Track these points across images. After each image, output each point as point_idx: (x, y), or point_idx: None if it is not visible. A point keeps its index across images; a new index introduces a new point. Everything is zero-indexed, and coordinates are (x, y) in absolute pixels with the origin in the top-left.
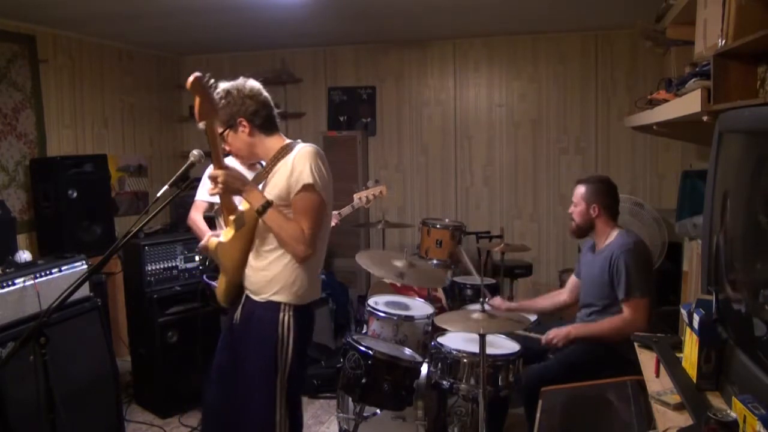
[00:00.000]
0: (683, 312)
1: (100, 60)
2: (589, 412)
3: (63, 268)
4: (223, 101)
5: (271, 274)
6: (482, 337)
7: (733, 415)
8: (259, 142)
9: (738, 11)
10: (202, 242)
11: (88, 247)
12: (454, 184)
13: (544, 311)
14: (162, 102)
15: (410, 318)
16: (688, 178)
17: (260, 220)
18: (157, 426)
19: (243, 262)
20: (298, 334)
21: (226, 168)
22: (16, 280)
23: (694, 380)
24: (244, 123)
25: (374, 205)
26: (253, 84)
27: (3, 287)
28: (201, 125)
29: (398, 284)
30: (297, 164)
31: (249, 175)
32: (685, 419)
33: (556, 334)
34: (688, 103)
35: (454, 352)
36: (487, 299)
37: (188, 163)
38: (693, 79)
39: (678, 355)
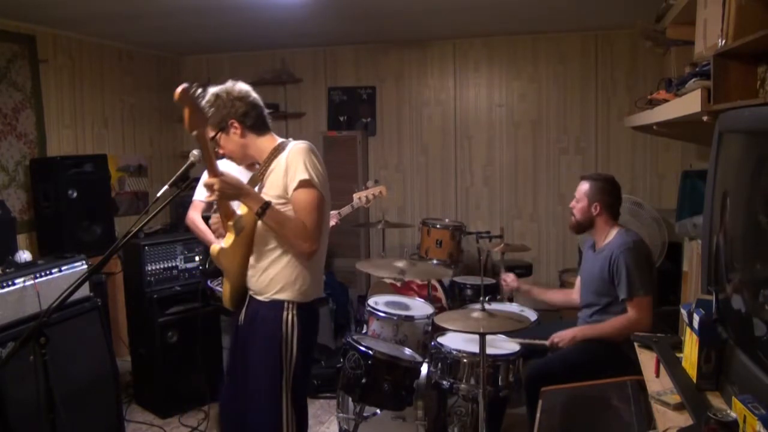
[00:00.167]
0: (683, 312)
1: (100, 60)
2: (589, 412)
3: (63, 268)
4: (212, 106)
5: (273, 274)
6: (482, 337)
7: (733, 415)
8: (251, 143)
9: (738, 11)
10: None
11: (88, 247)
12: (454, 184)
13: (554, 304)
14: (162, 102)
15: (410, 318)
16: (688, 178)
17: (259, 222)
18: (157, 426)
19: (245, 266)
20: (302, 333)
21: (220, 175)
22: (16, 280)
23: (694, 380)
24: (236, 125)
25: (374, 205)
26: (241, 86)
27: (3, 287)
28: (192, 134)
29: (398, 284)
30: (291, 162)
31: (247, 175)
32: (685, 419)
33: (561, 337)
34: (688, 103)
35: (454, 352)
36: (501, 275)
37: (188, 163)
38: (693, 79)
39: (678, 355)
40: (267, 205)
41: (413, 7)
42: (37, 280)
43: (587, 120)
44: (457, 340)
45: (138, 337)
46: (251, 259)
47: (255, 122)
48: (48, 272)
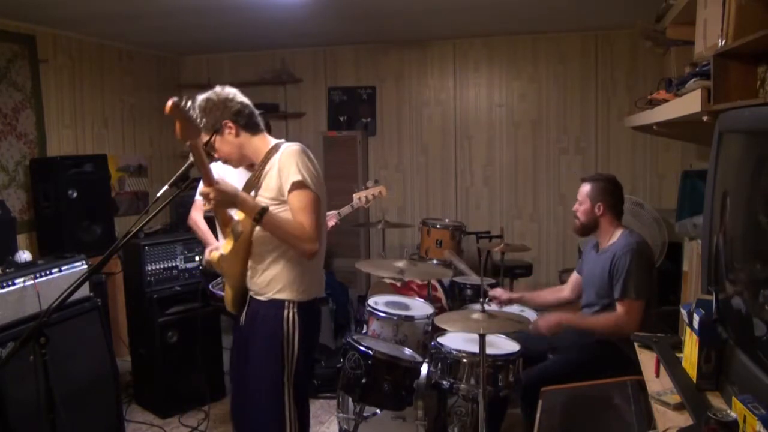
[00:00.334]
0: (683, 312)
1: (100, 60)
2: (589, 412)
3: (63, 268)
4: (204, 110)
5: (272, 274)
6: (482, 337)
7: (733, 415)
8: (246, 142)
9: (738, 11)
10: (206, 257)
11: (88, 247)
12: (454, 184)
13: (545, 305)
14: (162, 102)
15: (410, 318)
16: (688, 178)
17: (256, 225)
18: (157, 426)
19: (245, 269)
20: (303, 331)
21: (216, 183)
22: (16, 280)
23: (694, 380)
24: (230, 124)
25: (374, 205)
26: (230, 89)
27: (3, 287)
28: (186, 145)
29: (398, 284)
30: (284, 164)
31: (246, 175)
32: (685, 419)
33: (546, 321)
34: (688, 103)
35: (454, 352)
36: (488, 291)
37: (188, 163)
38: (693, 79)
39: (678, 355)
40: (264, 210)
41: (413, 7)
42: (37, 280)
43: (587, 120)
44: (457, 340)
45: (138, 337)
46: (250, 261)
47: (247, 122)
48: (48, 272)
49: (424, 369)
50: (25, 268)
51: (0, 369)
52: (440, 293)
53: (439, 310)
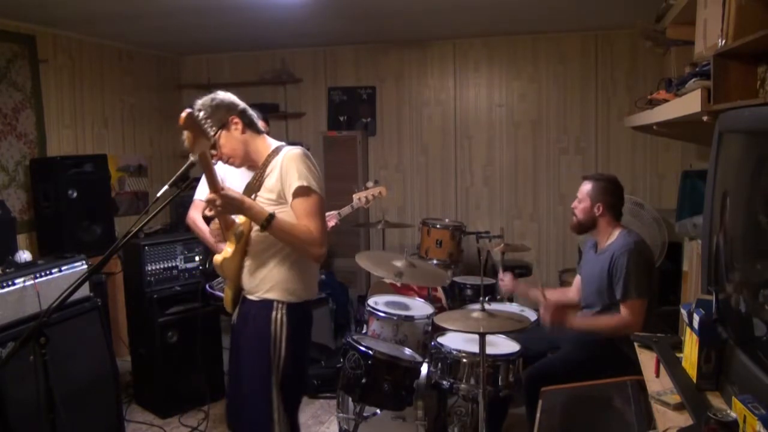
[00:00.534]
0: (683, 312)
1: (100, 60)
2: (589, 412)
3: (63, 268)
4: (210, 107)
5: (263, 273)
6: (482, 337)
7: (733, 415)
8: (251, 140)
9: (738, 11)
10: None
11: (88, 247)
12: (454, 184)
13: None
14: (162, 102)
15: (410, 318)
16: (688, 178)
17: (254, 226)
18: (157, 426)
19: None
20: (291, 332)
21: (222, 190)
22: (16, 280)
23: (694, 380)
24: (236, 120)
25: (374, 205)
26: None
27: (3, 287)
28: (194, 157)
29: (398, 284)
30: (286, 168)
31: (249, 176)
32: (685, 419)
33: (553, 315)
34: (688, 103)
35: (454, 352)
36: (500, 272)
37: (188, 163)
38: (693, 79)
39: (678, 355)
40: (271, 217)
41: (413, 7)
42: (37, 280)
43: (587, 120)
44: (457, 340)
45: (138, 337)
46: (246, 260)
47: (251, 122)
48: (48, 272)
49: (424, 369)
50: (25, 268)
51: (0, 369)
52: (440, 293)
53: (439, 310)
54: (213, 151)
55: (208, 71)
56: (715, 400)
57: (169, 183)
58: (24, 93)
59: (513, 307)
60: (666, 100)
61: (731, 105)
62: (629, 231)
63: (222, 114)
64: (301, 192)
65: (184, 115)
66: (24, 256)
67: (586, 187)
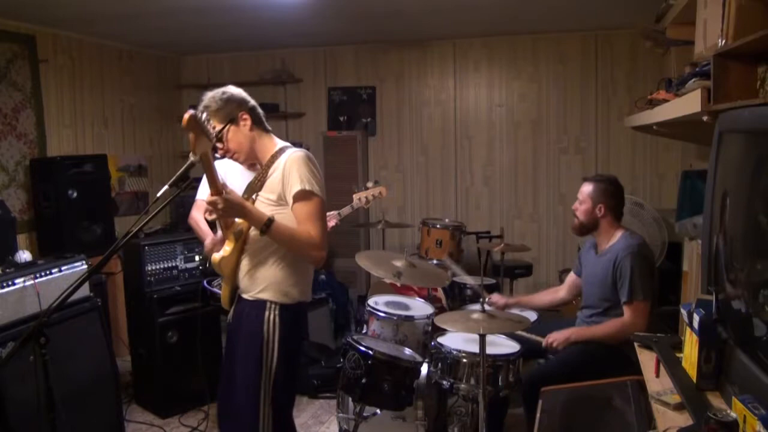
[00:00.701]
0: (683, 312)
1: (100, 60)
2: (589, 412)
3: (63, 268)
4: (221, 99)
5: (258, 273)
6: (482, 337)
7: (733, 415)
8: (258, 138)
9: (738, 11)
10: (207, 244)
11: (88, 247)
12: (454, 184)
13: (542, 307)
14: (162, 102)
15: (410, 318)
16: (688, 178)
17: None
18: (157, 426)
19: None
20: (283, 334)
21: (223, 193)
22: (16, 280)
23: (694, 380)
24: (245, 116)
25: (374, 205)
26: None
27: (3, 287)
28: (195, 158)
29: (398, 284)
30: (288, 171)
31: (249, 175)
32: (685, 419)
33: (556, 338)
34: (688, 103)
35: (454, 352)
36: (486, 298)
37: (188, 163)
38: (693, 79)
39: (678, 355)
40: (270, 222)
41: (413, 7)
42: (37, 280)
43: (587, 120)
44: (457, 340)
45: (138, 337)
46: (242, 258)
47: (259, 119)
48: (48, 272)
49: (424, 369)
50: (25, 268)
51: (0, 369)
52: (440, 293)
53: (439, 310)
54: (219, 144)
55: (208, 71)
56: (715, 400)
57: (169, 183)
58: (24, 93)
59: (512, 308)
60: (666, 100)
61: (731, 105)
62: (631, 233)
63: (232, 108)
64: (302, 195)
65: (186, 116)
66: (24, 256)
67: (587, 188)
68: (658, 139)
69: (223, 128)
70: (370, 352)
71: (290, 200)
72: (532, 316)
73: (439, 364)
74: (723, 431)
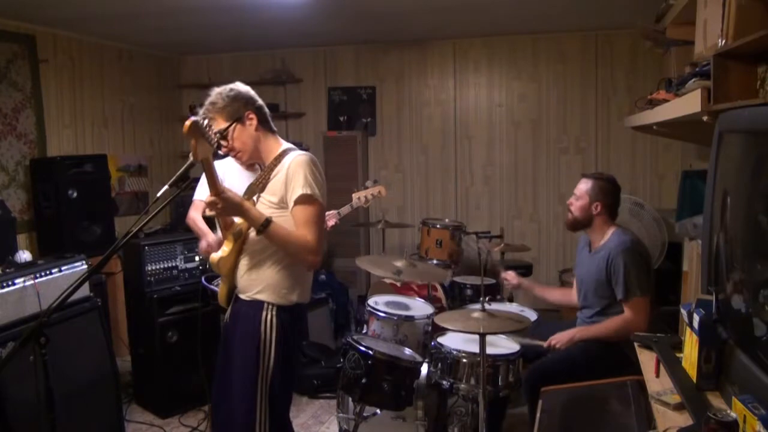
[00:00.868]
0: (683, 312)
1: (100, 60)
2: (589, 412)
3: (63, 268)
4: (228, 97)
5: (256, 273)
6: (482, 337)
7: (733, 415)
8: (263, 138)
9: (738, 11)
10: (202, 245)
11: (88, 247)
12: (454, 184)
13: (553, 302)
14: (162, 102)
15: (410, 318)
16: (688, 178)
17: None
18: (157, 426)
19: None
20: (281, 335)
21: (222, 193)
22: (16, 280)
23: (694, 380)
24: (251, 116)
25: (374, 205)
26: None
27: (3, 287)
28: (193, 160)
29: (398, 284)
30: (291, 174)
31: (248, 175)
32: (685, 419)
33: (559, 339)
34: (688, 103)
35: (454, 352)
36: (501, 271)
37: (188, 163)
38: (693, 79)
39: (678, 355)
40: (268, 222)
41: (413, 7)
42: (37, 280)
43: (587, 120)
44: (457, 340)
45: (138, 337)
46: (240, 258)
47: (265, 119)
48: (48, 272)
49: (424, 369)
50: (25, 268)
51: (0, 369)
52: (440, 293)
53: (439, 310)
54: (224, 142)
55: (208, 71)
56: (715, 400)
57: (169, 183)
58: (24, 93)
59: (513, 308)
60: (666, 100)
61: (731, 105)
62: (623, 230)
63: (239, 106)
64: (303, 200)
65: (188, 123)
66: (24, 256)
67: (586, 185)
68: (658, 139)
69: (229, 126)
70: (370, 352)
71: (291, 203)
72: (532, 316)
73: (439, 364)
74: (723, 431)
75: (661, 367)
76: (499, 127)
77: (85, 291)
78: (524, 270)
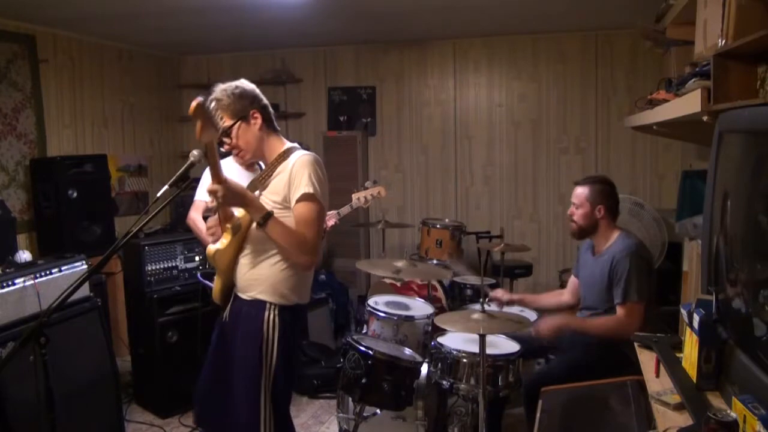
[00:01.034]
0: (683, 312)
1: (100, 60)
2: (589, 412)
3: (63, 268)
4: (233, 94)
5: (258, 273)
6: (482, 337)
7: (733, 415)
8: (266, 138)
9: (738, 11)
10: (210, 223)
11: (88, 247)
12: (454, 184)
13: (546, 308)
14: (162, 102)
15: (410, 318)
16: (688, 178)
17: (253, 224)
18: (157, 426)
19: (236, 264)
20: (282, 334)
21: (225, 182)
22: (16, 280)
23: (694, 380)
24: (257, 115)
25: (374, 205)
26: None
27: (3, 287)
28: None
29: (398, 284)
30: (295, 173)
31: (247, 175)
32: (685, 419)
33: (546, 326)
34: (688, 103)
35: (454, 352)
36: (489, 292)
37: (188, 163)
38: (693, 79)
39: (678, 355)
40: (269, 215)
41: (413, 7)
42: (37, 280)
43: (587, 120)
44: (457, 340)
45: (138, 337)
46: (240, 257)
47: (270, 119)
48: (48, 272)
49: (424, 369)
50: (25, 268)
51: (0, 369)
52: (440, 293)
53: (439, 310)
54: (227, 139)
55: (208, 71)
56: (715, 400)
57: (169, 183)
58: (24, 93)
59: (513, 308)
60: (666, 100)
61: (731, 105)
62: (628, 233)
63: (244, 105)
64: (305, 198)
65: (194, 104)
66: (24, 256)
67: (584, 191)
68: (658, 139)
69: (233, 125)
70: (370, 352)
71: (294, 202)
72: (532, 316)
73: (439, 364)
74: (723, 431)
75: (661, 367)
76: (499, 127)
77: (85, 291)
78: (524, 270)
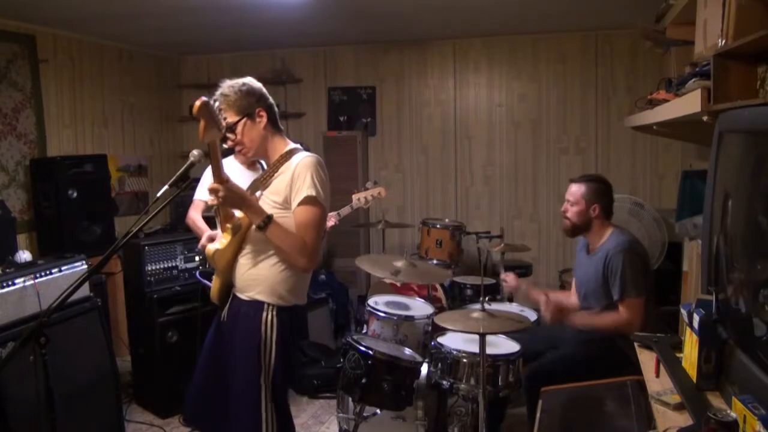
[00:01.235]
0: (683, 312)
1: (100, 60)
2: (589, 412)
3: (63, 268)
4: (240, 91)
5: (257, 273)
6: (482, 337)
7: (733, 415)
8: (270, 137)
9: (738, 11)
10: (202, 241)
11: (88, 247)
12: (454, 184)
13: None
14: (162, 102)
15: (410, 318)
16: (688, 178)
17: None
18: (157, 426)
19: (235, 264)
20: (281, 335)
21: (226, 182)
22: (16, 280)
23: (694, 380)
24: (262, 113)
25: (374, 205)
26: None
27: (3, 287)
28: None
29: (398, 284)
30: (298, 175)
31: (249, 175)
32: (685, 419)
33: (555, 311)
34: (688, 103)
35: (454, 352)
36: (502, 273)
37: (188, 163)
38: (693, 79)
39: (678, 355)
40: (269, 219)
41: (413, 7)
42: (37, 280)
43: (587, 120)
44: (457, 340)
45: (138, 337)
46: (240, 257)
47: (275, 118)
48: (48, 272)
49: (424, 369)
50: (25, 268)
51: (0, 369)
52: (440, 293)
53: (439, 310)
54: (231, 135)
55: (208, 71)
56: (715, 400)
57: (169, 183)
58: (24, 93)
59: (513, 308)
60: (666, 100)
61: (731, 105)
62: (621, 230)
63: (251, 102)
64: (307, 201)
65: (198, 102)
66: (24, 256)
67: (579, 189)
68: (658, 139)
69: (239, 121)
70: (370, 352)
71: (295, 204)
72: (532, 315)
73: (439, 364)
74: (723, 431)
75: (661, 367)
76: (499, 127)
77: (85, 291)
78: (524, 270)
